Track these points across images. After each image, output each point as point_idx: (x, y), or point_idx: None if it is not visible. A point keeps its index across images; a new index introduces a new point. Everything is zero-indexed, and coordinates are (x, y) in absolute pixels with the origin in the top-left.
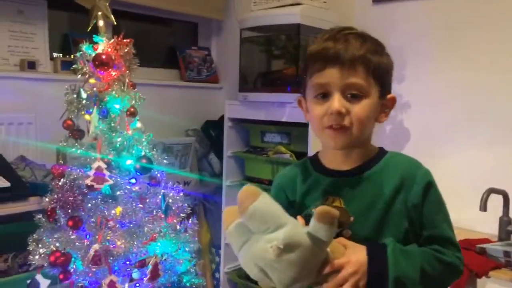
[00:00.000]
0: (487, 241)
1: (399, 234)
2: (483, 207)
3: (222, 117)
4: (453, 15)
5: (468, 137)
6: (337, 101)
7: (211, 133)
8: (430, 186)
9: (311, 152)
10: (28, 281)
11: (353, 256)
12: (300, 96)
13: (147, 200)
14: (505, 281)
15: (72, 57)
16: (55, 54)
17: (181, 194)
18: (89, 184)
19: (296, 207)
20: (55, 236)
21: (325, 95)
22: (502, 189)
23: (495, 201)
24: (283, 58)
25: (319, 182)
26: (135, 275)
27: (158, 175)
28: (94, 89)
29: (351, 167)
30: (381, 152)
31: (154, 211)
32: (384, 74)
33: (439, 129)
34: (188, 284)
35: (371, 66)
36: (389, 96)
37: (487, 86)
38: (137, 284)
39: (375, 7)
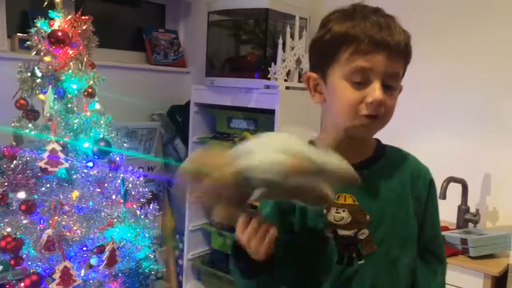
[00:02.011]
0: (445, 228)
1: (414, 228)
2: (443, 195)
3: (188, 102)
4: (425, 4)
5: (430, 127)
6: (379, 91)
7: (177, 118)
8: (432, 183)
9: None
10: None
11: None
12: (309, 72)
13: (106, 185)
14: (462, 268)
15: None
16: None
17: (142, 178)
18: (42, 167)
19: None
20: (6, 220)
21: (362, 81)
22: (461, 178)
23: (454, 190)
24: (251, 43)
25: None
26: (93, 261)
27: (118, 159)
28: (50, 67)
29: (358, 160)
30: (380, 144)
31: (113, 196)
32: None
33: (401, 119)
34: (147, 271)
35: (409, 56)
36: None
37: (451, 78)
38: (92, 272)
39: None
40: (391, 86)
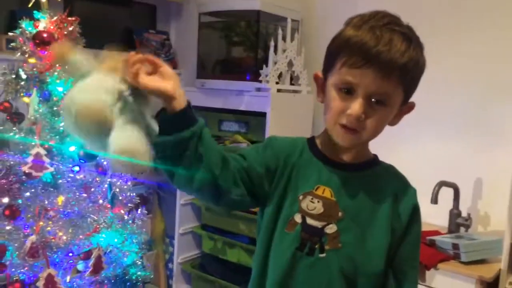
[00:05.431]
0: (437, 233)
1: (382, 243)
2: (434, 199)
3: None
4: (412, 6)
5: (421, 132)
6: (358, 106)
7: None
8: (416, 209)
9: None
10: None
11: None
12: (318, 71)
13: (92, 189)
14: (453, 273)
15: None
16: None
17: (129, 183)
18: (27, 171)
19: (279, 182)
20: None
21: (349, 91)
22: (452, 182)
23: (446, 194)
24: (243, 45)
25: (311, 165)
26: (80, 267)
27: (105, 163)
28: (34, 69)
29: (349, 162)
30: (376, 158)
31: (100, 201)
32: (416, 84)
33: None
34: (133, 277)
35: (407, 77)
36: (409, 102)
37: (442, 82)
38: (77, 279)
39: None
40: (378, 103)
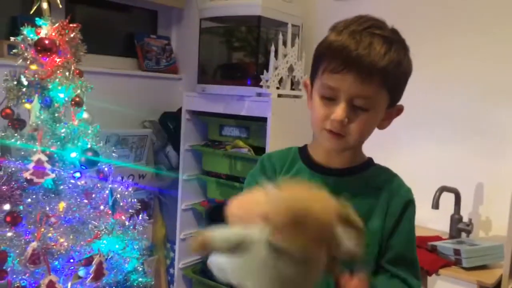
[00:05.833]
0: (438, 238)
1: (373, 249)
2: (435, 205)
3: (180, 109)
4: (408, 8)
5: (422, 137)
6: (341, 111)
7: (168, 125)
8: (410, 203)
9: (269, 147)
10: None
11: None
12: (307, 78)
13: (93, 195)
14: (455, 278)
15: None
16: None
17: (130, 189)
18: (28, 177)
19: None
20: None
21: (331, 98)
22: (453, 187)
23: (447, 199)
24: (243, 51)
25: (302, 173)
26: (81, 273)
27: (106, 169)
28: (36, 76)
29: (341, 167)
30: (370, 161)
31: (101, 207)
32: (400, 86)
33: (393, 128)
34: (135, 284)
35: (389, 80)
36: (397, 105)
37: (440, 87)
38: (78, 285)
39: (337, 1)
40: (361, 107)
